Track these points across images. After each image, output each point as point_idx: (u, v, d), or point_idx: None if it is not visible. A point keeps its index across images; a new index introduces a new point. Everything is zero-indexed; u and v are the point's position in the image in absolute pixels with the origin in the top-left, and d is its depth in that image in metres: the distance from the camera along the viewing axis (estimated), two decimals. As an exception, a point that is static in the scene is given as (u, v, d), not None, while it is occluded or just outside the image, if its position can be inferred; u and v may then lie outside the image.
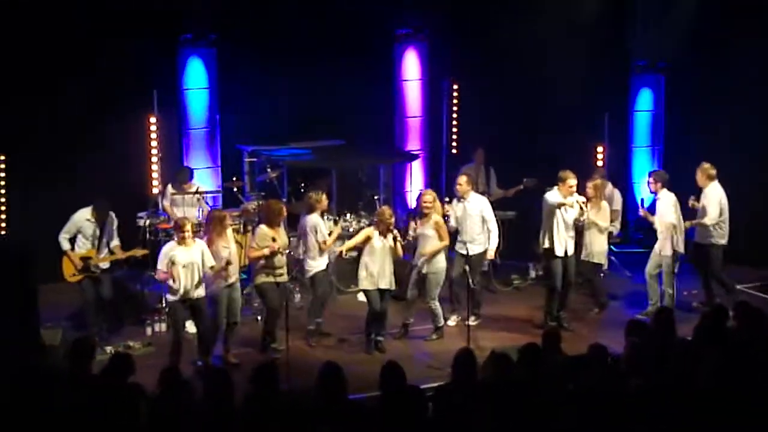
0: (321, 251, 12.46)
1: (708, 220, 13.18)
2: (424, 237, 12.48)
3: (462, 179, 13.22)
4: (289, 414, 6.91)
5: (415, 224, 12.57)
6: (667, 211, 12.97)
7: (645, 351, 8.43)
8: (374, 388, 8.00)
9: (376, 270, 12.07)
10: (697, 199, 13.32)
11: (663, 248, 12.97)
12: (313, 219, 12.49)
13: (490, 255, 13.11)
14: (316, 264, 12.48)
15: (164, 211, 13.84)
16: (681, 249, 13.05)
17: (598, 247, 13.24)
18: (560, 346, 9.16)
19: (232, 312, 11.77)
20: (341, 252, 12.90)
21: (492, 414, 7.53)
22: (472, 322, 12.56)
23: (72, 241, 12.27)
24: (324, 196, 12.66)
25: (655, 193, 13.17)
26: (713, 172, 13.33)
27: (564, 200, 12.62)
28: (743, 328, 9.38)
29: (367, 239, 12.16)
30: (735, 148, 15.48)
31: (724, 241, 13.42)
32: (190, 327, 12.68)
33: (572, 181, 12.66)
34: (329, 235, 12.50)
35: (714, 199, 13.24)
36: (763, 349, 8.86)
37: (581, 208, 12.74)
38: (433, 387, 8.22)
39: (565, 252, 12.76)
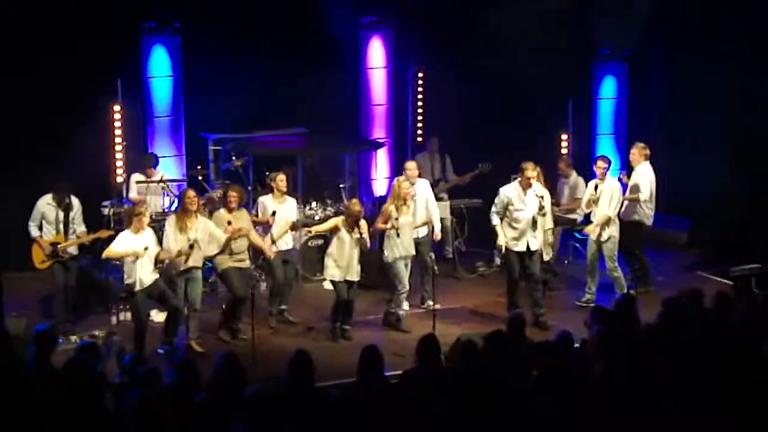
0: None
1: (642, 195, 13.49)
2: (408, 225, 12.48)
3: (413, 164, 13.37)
4: (256, 402, 6.91)
5: (395, 213, 12.39)
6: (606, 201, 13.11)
7: (609, 337, 8.49)
8: (341, 376, 8.02)
9: (345, 262, 12.07)
10: (628, 176, 13.59)
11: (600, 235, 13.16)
12: (261, 199, 12.77)
13: (437, 236, 13.25)
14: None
15: (132, 202, 13.73)
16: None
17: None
18: (524, 332, 9.25)
19: (191, 299, 11.79)
20: (309, 232, 12.95)
21: (457, 400, 7.57)
22: (430, 307, 12.75)
23: (40, 229, 12.24)
24: (279, 177, 12.74)
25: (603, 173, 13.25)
26: (647, 152, 13.74)
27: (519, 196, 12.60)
28: (705, 313, 9.47)
29: (335, 229, 12.17)
30: (698, 135, 15.63)
31: (649, 222, 13.73)
32: (156, 315, 12.71)
33: (529, 172, 12.56)
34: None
35: (646, 177, 13.59)
36: (723, 334, 8.95)
37: (540, 202, 12.68)
38: (398, 374, 8.27)
39: (527, 248, 12.69)
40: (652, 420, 7.44)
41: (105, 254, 11.59)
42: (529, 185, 12.60)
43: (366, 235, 12.14)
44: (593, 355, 8.39)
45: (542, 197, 12.67)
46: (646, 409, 7.52)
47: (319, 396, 7.59)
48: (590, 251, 13.38)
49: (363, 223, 12.17)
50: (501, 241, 12.63)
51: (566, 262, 14.98)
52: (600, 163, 13.30)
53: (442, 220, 13.88)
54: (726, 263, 14.81)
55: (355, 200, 12.55)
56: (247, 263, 12.24)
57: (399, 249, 12.41)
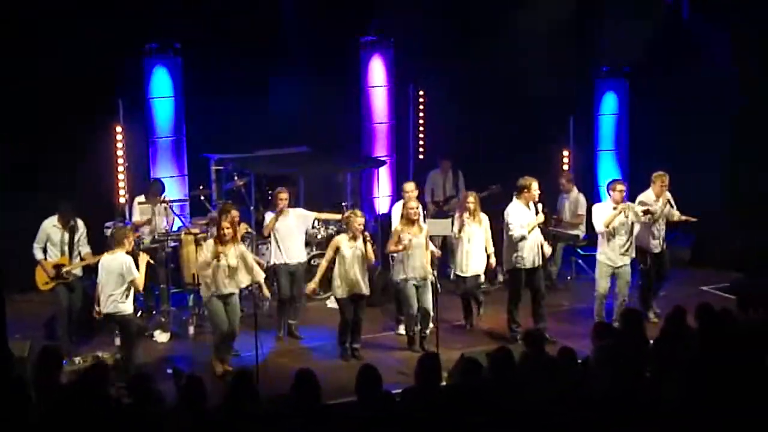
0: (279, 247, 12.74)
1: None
2: (420, 247, 12.40)
3: (411, 186, 13.36)
4: (263, 421, 6.93)
5: (404, 234, 12.33)
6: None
7: (613, 353, 8.48)
8: (347, 395, 8.01)
9: (349, 278, 12.02)
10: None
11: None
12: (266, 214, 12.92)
13: (437, 253, 13.23)
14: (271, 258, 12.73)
15: (136, 225, 13.70)
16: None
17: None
18: (544, 348, 9.21)
19: (233, 324, 11.71)
20: (314, 290, 12.67)
21: (460, 418, 7.57)
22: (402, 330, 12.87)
23: (44, 251, 12.26)
24: (280, 196, 12.79)
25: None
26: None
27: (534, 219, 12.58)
28: (706, 330, 9.46)
29: (337, 250, 12.14)
30: (700, 151, 15.64)
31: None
32: (159, 336, 12.72)
33: (536, 185, 12.58)
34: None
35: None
36: (725, 349, 8.95)
37: (545, 215, 12.77)
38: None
39: (534, 263, 12.71)
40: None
41: (142, 280, 11.45)
42: (534, 199, 12.60)
43: (370, 247, 12.09)
44: (596, 370, 8.39)
45: (546, 211, 12.79)
46: (650, 423, 7.53)
47: (323, 414, 7.60)
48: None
49: (366, 234, 12.11)
50: (528, 263, 12.62)
51: (569, 278, 14.97)
52: (620, 187, 13.06)
53: (447, 237, 13.89)
54: (730, 279, 14.88)
55: (356, 209, 12.49)
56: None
57: (408, 270, 12.34)
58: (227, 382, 7.63)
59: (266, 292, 12.03)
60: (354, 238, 12.02)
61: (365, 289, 12.14)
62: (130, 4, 14.27)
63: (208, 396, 7.63)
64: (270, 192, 14.65)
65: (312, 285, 12.43)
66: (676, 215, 13.46)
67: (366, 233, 12.14)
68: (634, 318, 9.67)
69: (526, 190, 12.59)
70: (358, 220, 12.04)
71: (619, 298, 13.02)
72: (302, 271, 13.05)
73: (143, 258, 11.54)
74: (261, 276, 11.84)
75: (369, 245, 12.06)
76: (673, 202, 13.38)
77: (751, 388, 8.14)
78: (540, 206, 12.68)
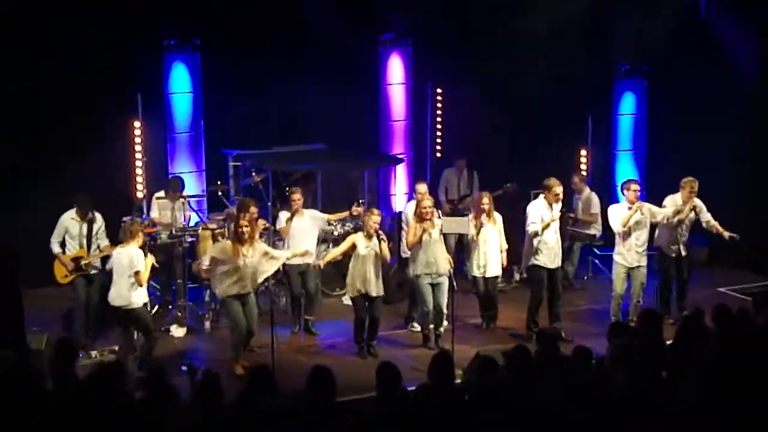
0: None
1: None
2: (434, 243, 12.39)
3: (423, 188, 13.35)
4: (279, 416, 6.94)
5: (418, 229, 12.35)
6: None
7: (628, 352, 8.48)
8: (363, 391, 8.01)
9: (363, 277, 12.04)
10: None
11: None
12: (280, 214, 12.99)
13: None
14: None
15: (155, 222, 13.74)
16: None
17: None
18: (558, 347, 9.21)
19: (250, 322, 11.70)
20: (320, 265, 12.86)
21: (473, 416, 7.57)
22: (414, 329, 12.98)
23: (62, 245, 12.30)
24: (294, 197, 12.90)
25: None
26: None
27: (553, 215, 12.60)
28: (723, 330, 9.45)
29: (353, 246, 12.15)
30: (718, 152, 15.58)
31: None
32: (176, 331, 12.76)
33: (558, 189, 12.61)
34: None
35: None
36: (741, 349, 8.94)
37: (562, 216, 12.80)
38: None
39: (553, 264, 12.72)
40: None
41: (144, 279, 11.43)
42: (557, 201, 12.61)
43: (385, 245, 12.10)
44: (611, 370, 8.39)
45: (564, 211, 12.77)
46: (666, 423, 7.51)
47: (339, 411, 7.60)
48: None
49: (381, 233, 12.13)
50: (549, 264, 12.64)
51: (585, 278, 14.96)
52: (634, 186, 13.05)
53: (462, 236, 13.89)
54: (746, 280, 14.84)
55: (374, 210, 12.50)
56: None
57: (423, 266, 12.34)
58: (245, 376, 7.62)
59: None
60: (369, 236, 12.03)
61: (377, 290, 12.13)
62: (150, 0, 14.33)
63: (223, 392, 7.64)
64: (287, 188, 14.67)
65: (317, 261, 12.67)
66: (716, 226, 13.36)
67: (381, 232, 12.15)
68: (652, 318, 9.66)
69: (547, 191, 12.60)
70: (374, 218, 12.05)
71: (633, 299, 13.01)
72: (313, 269, 13.09)
73: (149, 260, 11.57)
74: (283, 257, 11.95)
75: (384, 244, 12.06)
76: (705, 211, 13.27)
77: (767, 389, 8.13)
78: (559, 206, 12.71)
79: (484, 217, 12.79)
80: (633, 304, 13.01)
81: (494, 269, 12.97)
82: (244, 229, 11.46)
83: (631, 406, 7.65)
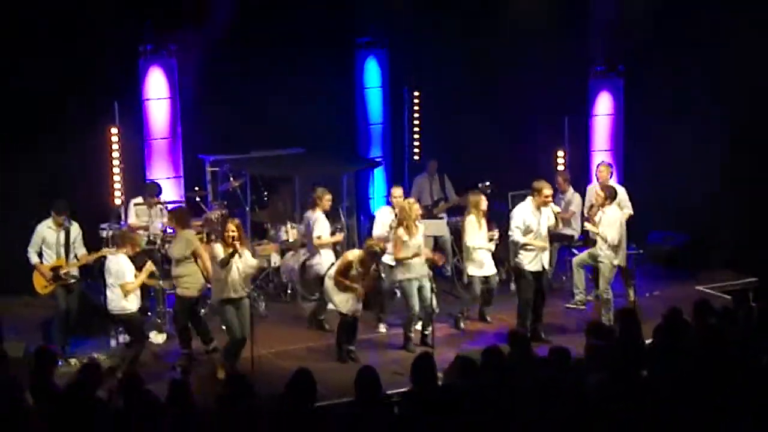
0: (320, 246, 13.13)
1: None
2: (419, 246, 12.44)
3: (399, 191, 13.48)
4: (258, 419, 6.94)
5: (405, 236, 12.36)
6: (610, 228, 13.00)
7: (606, 351, 8.51)
8: (343, 395, 8.01)
9: (353, 298, 12.08)
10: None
11: (609, 257, 13.06)
12: (316, 215, 13.27)
13: None
14: (316, 260, 13.02)
15: (132, 227, 13.70)
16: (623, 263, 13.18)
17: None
18: (530, 348, 9.25)
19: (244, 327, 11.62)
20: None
21: (454, 418, 7.58)
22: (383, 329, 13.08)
23: (40, 255, 12.24)
24: (326, 195, 13.22)
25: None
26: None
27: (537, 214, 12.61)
28: (703, 327, 9.49)
29: (348, 266, 12.06)
30: (695, 150, 15.66)
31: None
32: (155, 337, 12.72)
33: (547, 191, 12.61)
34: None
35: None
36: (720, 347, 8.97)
37: (555, 218, 12.78)
38: (398, 392, 8.28)
39: (542, 267, 12.73)
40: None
41: (131, 290, 11.44)
42: (545, 204, 12.62)
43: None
44: (589, 368, 8.41)
45: (558, 213, 12.83)
46: (646, 422, 7.54)
47: (319, 415, 7.61)
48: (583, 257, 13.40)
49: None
50: (535, 267, 12.68)
51: (564, 278, 14.99)
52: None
53: (439, 238, 13.91)
54: (725, 278, 14.90)
55: (373, 241, 12.45)
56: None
57: (410, 270, 12.37)
58: (222, 382, 7.63)
59: None
60: (367, 264, 12.05)
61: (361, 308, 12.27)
62: (126, 6, 14.28)
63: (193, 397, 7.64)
64: (266, 194, 14.69)
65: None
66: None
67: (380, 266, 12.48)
68: (628, 317, 9.70)
69: (536, 194, 12.60)
70: (377, 249, 12.06)
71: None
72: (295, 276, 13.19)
73: (148, 267, 11.55)
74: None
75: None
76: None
77: (747, 387, 8.16)
78: (554, 208, 12.75)
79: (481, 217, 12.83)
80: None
81: (493, 266, 13.05)
82: (231, 233, 11.43)
83: (609, 406, 7.68)
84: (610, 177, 14.07)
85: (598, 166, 14.38)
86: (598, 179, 14.13)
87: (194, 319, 12.09)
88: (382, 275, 12.81)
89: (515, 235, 12.56)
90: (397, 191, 13.48)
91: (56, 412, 7.65)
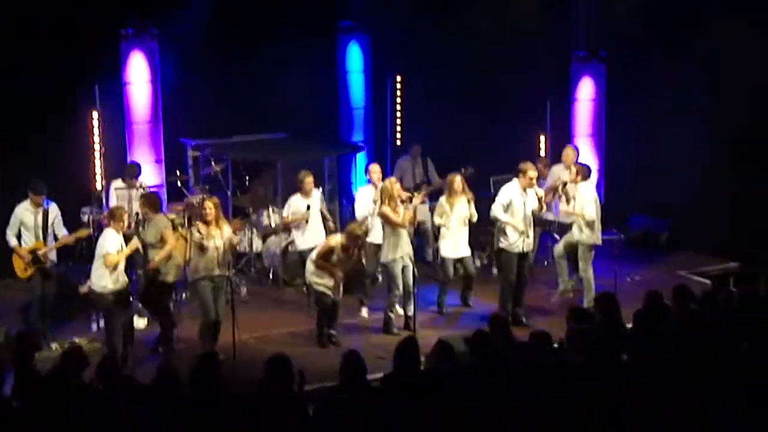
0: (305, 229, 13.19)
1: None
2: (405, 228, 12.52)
3: (377, 168, 13.64)
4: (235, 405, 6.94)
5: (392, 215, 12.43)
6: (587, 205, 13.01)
7: (586, 336, 8.54)
8: (325, 379, 8.00)
9: (334, 279, 12.08)
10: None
11: (587, 238, 13.06)
12: (291, 199, 13.33)
13: None
14: (300, 241, 13.05)
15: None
16: (599, 241, 13.20)
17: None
18: (510, 332, 9.28)
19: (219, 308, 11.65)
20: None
21: (437, 402, 7.60)
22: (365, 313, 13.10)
23: (19, 238, 12.16)
24: (307, 177, 13.20)
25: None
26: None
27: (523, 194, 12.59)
28: (683, 312, 9.54)
29: (329, 250, 12.06)
30: (677, 136, 15.68)
31: None
32: (138, 322, 12.68)
33: (532, 173, 12.58)
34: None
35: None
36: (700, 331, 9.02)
37: (539, 201, 12.75)
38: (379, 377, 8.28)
39: (522, 249, 12.71)
40: (630, 416, 7.50)
41: (111, 262, 11.30)
42: (531, 186, 12.60)
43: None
44: (571, 353, 8.44)
45: (541, 197, 12.77)
46: (623, 405, 7.58)
47: (298, 400, 7.60)
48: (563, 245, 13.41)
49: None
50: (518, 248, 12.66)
51: (546, 263, 15.01)
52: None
53: (421, 223, 13.91)
54: (705, 263, 14.96)
55: (355, 225, 12.48)
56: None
57: (396, 250, 12.39)
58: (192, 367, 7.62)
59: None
60: (349, 249, 12.05)
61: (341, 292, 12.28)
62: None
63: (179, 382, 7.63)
64: (247, 177, 14.66)
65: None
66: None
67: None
68: (608, 301, 9.73)
69: (522, 175, 12.59)
70: (358, 233, 12.11)
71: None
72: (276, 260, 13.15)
73: (134, 242, 11.49)
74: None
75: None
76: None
77: (727, 372, 8.21)
78: (538, 191, 12.72)
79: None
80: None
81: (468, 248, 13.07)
82: (208, 210, 11.40)
83: (589, 390, 7.71)
84: (575, 160, 14.03)
85: (564, 149, 14.36)
86: (563, 161, 14.12)
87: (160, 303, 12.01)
88: (363, 260, 12.80)
89: (496, 210, 12.56)
90: (375, 167, 13.54)
91: (39, 397, 7.62)
